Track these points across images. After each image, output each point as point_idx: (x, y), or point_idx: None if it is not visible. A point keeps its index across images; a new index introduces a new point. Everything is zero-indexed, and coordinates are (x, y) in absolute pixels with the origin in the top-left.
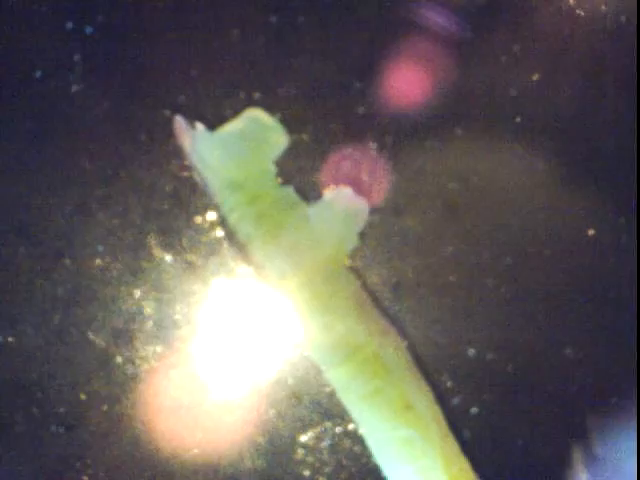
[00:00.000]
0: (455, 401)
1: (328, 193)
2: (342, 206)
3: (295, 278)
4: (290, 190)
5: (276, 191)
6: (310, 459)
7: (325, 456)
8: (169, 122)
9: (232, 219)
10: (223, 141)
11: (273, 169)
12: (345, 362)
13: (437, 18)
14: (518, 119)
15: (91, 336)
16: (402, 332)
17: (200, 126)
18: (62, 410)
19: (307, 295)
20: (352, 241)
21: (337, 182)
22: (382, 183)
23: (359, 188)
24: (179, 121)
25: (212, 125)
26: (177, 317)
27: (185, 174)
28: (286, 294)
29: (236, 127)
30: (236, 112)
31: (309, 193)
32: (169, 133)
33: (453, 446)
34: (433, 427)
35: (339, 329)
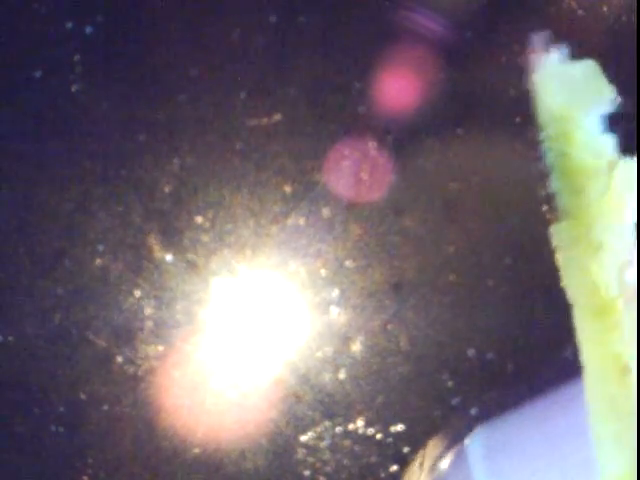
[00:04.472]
0: (455, 401)
1: None
2: None
3: (574, 219)
4: (606, 141)
5: (589, 137)
6: (310, 459)
7: (325, 456)
8: (169, 122)
9: (544, 145)
10: (568, 74)
11: (594, 119)
12: None
13: (435, 19)
14: (518, 119)
15: (91, 336)
16: (402, 332)
17: (555, 53)
18: (62, 410)
19: (578, 247)
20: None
21: (337, 181)
22: (382, 182)
23: (359, 187)
24: (540, 40)
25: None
26: (177, 317)
27: (185, 174)
28: (561, 235)
29: (580, 69)
30: (236, 112)
31: (309, 193)
32: (169, 133)
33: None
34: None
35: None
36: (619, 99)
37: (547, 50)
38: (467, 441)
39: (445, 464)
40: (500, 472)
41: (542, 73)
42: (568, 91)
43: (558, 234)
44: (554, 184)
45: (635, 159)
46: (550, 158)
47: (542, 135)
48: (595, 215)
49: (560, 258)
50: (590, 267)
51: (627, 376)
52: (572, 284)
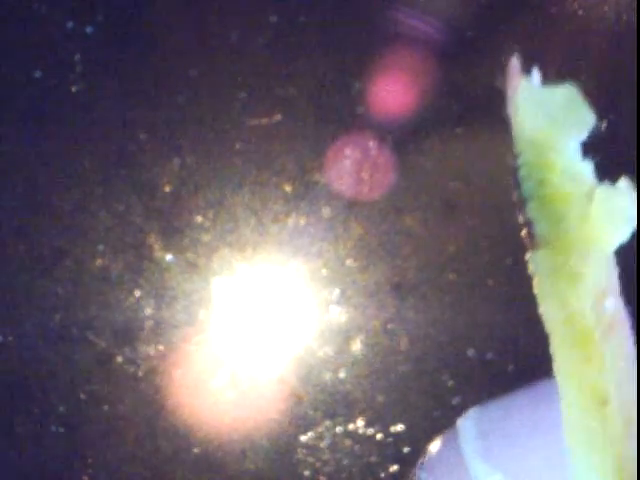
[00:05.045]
0: (455, 401)
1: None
2: (626, 201)
3: (553, 248)
4: (586, 167)
5: (568, 164)
6: (310, 459)
7: (325, 456)
8: (169, 122)
9: (521, 171)
10: (547, 99)
11: (574, 145)
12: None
13: (435, 19)
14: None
15: (91, 336)
16: (402, 332)
17: (534, 76)
18: (62, 410)
19: (556, 276)
20: (621, 237)
21: (338, 181)
22: (383, 181)
23: (360, 186)
24: (515, 65)
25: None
26: (177, 317)
27: (185, 174)
28: (536, 259)
29: (560, 93)
30: (236, 112)
31: (309, 192)
32: (169, 133)
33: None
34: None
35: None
36: (600, 124)
37: (525, 74)
38: (459, 422)
39: (436, 445)
40: (491, 453)
41: (520, 97)
42: (547, 116)
43: (535, 262)
44: (532, 211)
45: (614, 186)
46: (528, 185)
47: (520, 161)
48: (574, 244)
49: (537, 286)
50: (568, 297)
51: (605, 408)
52: (549, 313)
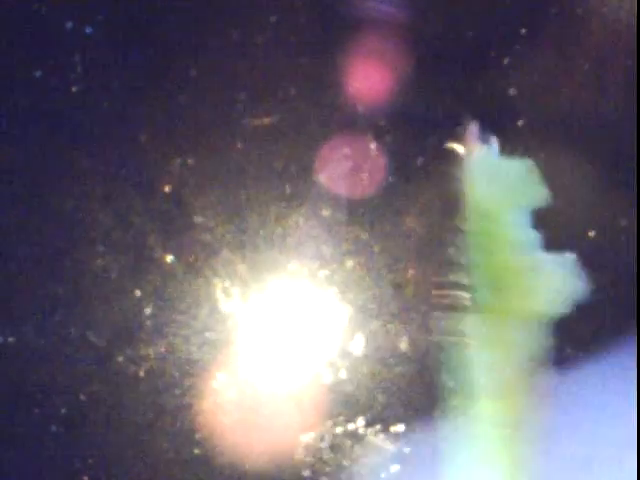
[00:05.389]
0: (455, 401)
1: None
2: (565, 273)
3: (489, 315)
4: (532, 239)
5: (516, 235)
6: (310, 459)
7: (325, 456)
8: (169, 122)
9: (469, 238)
10: (503, 171)
11: (523, 218)
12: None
13: (435, 19)
14: (518, 119)
15: (91, 336)
16: (402, 332)
17: (495, 143)
18: (62, 410)
19: (489, 342)
20: (559, 310)
21: (337, 181)
22: (382, 182)
23: (360, 187)
24: (474, 132)
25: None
26: (177, 317)
27: (185, 174)
28: (476, 322)
29: (515, 166)
30: (236, 112)
31: (309, 193)
32: (169, 133)
33: None
34: None
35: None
36: (550, 198)
37: (482, 143)
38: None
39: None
40: None
41: (476, 165)
42: (500, 187)
43: (471, 326)
44: (474, 277)
45: (558, 259)
46: (473, 252)
47: (468, 227)
48: (511, 313)
49: (469, 350)
50: (499, 362)
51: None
52: (477, 376)
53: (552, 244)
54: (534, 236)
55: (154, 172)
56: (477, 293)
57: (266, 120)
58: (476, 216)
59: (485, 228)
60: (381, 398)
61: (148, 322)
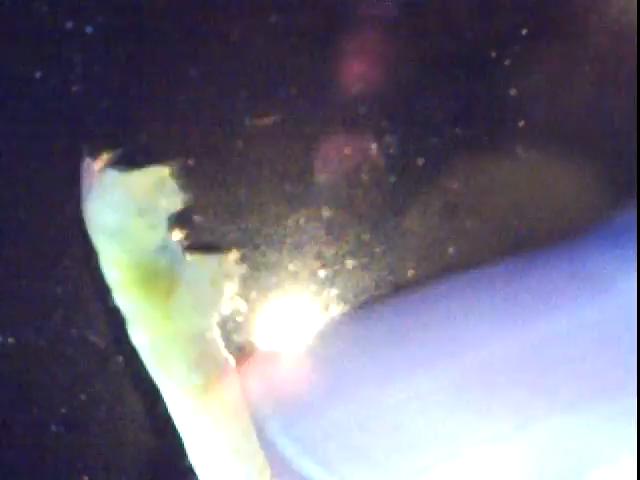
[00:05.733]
0: None
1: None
2: (211, 272)
3: (143, 327)
4: (175, 245)
5: (155, 245)
6: None
7: None
8: (169, 122)
9: (102, 263)
10: (128, 186)
11: (162, 225)
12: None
13: (434, 19)
14: (518, 119)
15: (91, 336)
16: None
17: (110, 170)
18: (62, 410)
19: (150, 354)
20: (215, 312)
21: (337, 181)
22: (382, 182)
23: (359, 186)
24: (89, 167)
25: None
26: None
27: (185, 174)
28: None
29: (144, 176)
30: (236, 112)
31: (309, 192)
32: (169, 133)
33: None
34: None
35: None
36: (188, 200)
37: (101, 171)
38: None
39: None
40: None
41: (95, 195)
42: (127, 204)
43: (135, 338)
44: (119, 298)
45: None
46: (110, 275)
47: (100, 255)
48: (160, 324)
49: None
50: (160, 377)
51: None
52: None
53: (552, 244)
54: (176, 242)
55: None
56: (127, 308)
57: (266, 120)
58: (106, 241)
59: (120, 248)
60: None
61: None
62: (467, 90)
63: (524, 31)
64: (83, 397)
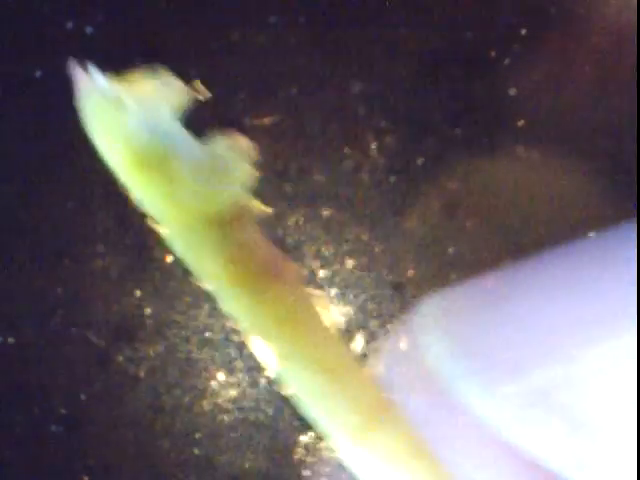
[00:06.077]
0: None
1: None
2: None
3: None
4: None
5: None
6: (310, 459)
7: (325, 456)
8: None
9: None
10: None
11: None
12: None
13: (434, 20)
14: (518, 119)
15: (91, 336)
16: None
17: (98, 76)
18: (62, 410)
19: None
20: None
21: (337, 182)
22: (382, 182)
23: (359, 187)
24: (75, 70)
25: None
26: (177, 317)
27: None
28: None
29: (139, 78)
30: (236, 112)
31: (309, 192)
32: None
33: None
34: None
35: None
36: (193, 97)
37: (87, 75)
38: (418, 306)
39: (391, 333)
40: (450, 328)
41: (90, 94)
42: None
43: (170, 240)
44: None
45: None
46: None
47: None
48: (185, 213)
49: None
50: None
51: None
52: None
53: (552, 244)
54: (180, 128)
55: None
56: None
57: (266, 120)
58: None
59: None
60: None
61: (148, 322)
62: (467, 90)
63: (524, 31)
64: (83, 397)
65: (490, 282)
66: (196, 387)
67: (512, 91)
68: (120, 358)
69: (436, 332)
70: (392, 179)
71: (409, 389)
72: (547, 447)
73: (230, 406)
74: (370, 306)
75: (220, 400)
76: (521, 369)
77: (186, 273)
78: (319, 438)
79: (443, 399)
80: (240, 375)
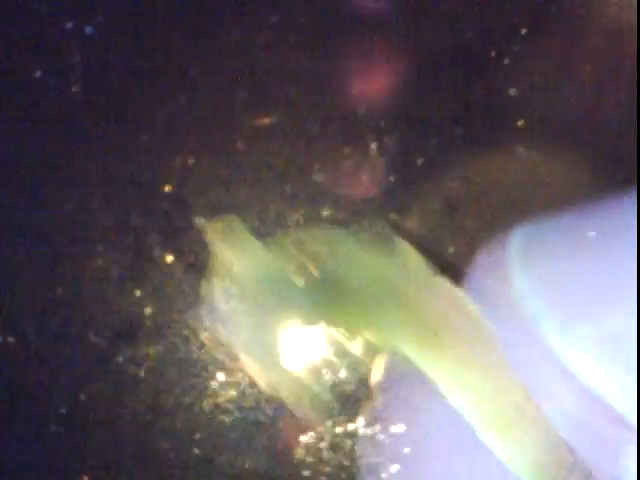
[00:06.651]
0: None
1: None
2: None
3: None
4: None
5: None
6: (310, 459)
7: (325, 456)
8: (169, 122)
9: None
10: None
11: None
12: None
13: (434, 20)
14: (518, 119)
15: (91, 336)
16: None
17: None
18: (62, 410)
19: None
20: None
21: (337, 181)
22: (382, 182)
23: (359, 187)
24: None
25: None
26: (177, 317)
27: (185, 174)
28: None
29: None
30: (236, 112)
31: (309, 192)
32: (169, 133)
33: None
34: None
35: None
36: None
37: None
38: (507, 236)
39: (481, 258)
40: (535, 266)
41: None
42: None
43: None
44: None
45: None
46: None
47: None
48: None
49: None
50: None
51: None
52: None
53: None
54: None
55: (154, 172)
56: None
57: (266, 120)
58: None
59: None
60: (381, 398)
61: (148, 322)
62: (467, 90)
63: (524, 31)
64: (83, 397)
65: (579, 223)
66: (196, 387)
67: (512, 91)
68: (120, 358)
69: (522, 265)
70: (392, 179)
71: (495, 316)
72: (612, 387)
73: (230, 406)
74: None
75: (220, 400)
76: (597, 313)
77: (186, 273)
78: (319, 438)
79: (525, 329)
80: (240, 375)
